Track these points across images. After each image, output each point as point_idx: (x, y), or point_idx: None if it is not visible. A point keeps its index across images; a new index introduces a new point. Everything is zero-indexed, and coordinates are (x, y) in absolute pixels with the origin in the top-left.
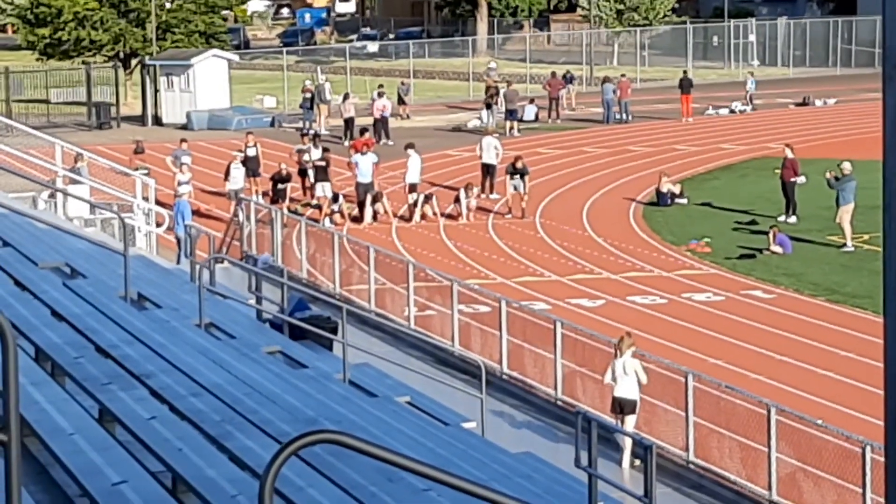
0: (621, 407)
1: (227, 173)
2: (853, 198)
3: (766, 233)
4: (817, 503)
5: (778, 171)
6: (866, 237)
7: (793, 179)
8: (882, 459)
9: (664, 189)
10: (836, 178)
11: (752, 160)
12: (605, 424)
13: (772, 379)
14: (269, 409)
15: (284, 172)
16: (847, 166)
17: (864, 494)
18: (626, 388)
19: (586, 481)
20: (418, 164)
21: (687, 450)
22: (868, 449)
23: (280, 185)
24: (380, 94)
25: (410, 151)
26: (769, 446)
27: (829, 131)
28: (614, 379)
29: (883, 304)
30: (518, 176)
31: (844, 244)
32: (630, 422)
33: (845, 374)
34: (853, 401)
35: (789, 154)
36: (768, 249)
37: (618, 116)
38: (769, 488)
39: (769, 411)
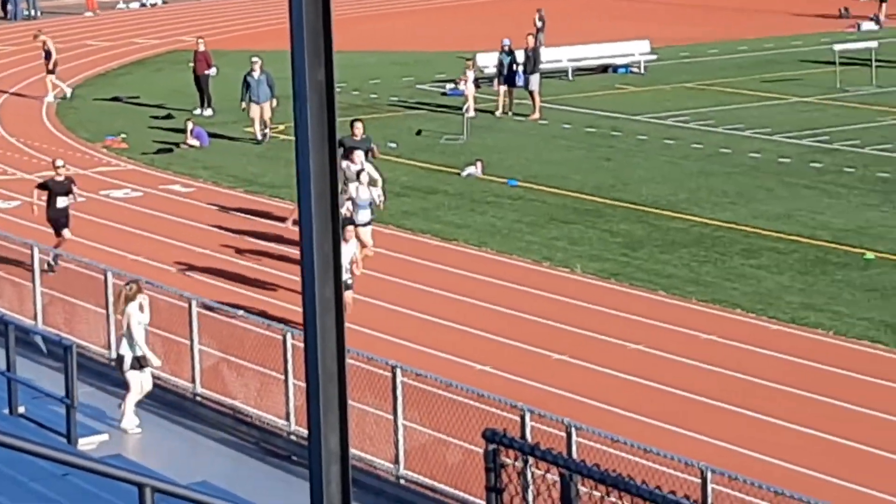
0: (123, 364)
1: None
2: (271, 92)
3: (183, 128)
4: (241, 392)
5: (191, 64)
6: (281, 127)
7: (206, 72)
8: (301, 345)
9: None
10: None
11: (165, 54)
12: (24, 327)
13: (190, 271)
14: None
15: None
16: (257, 60)
17: (286, 381)
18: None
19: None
20: None
21: (109, 348)
22: (289, 335)
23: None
24: None
25: None
26: (192, 339)
27: (243, 23)
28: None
29: (297, 190)
30: None
31: (262, 138)
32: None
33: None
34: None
35: (201, 47)
36: (185, 143)
37: (26, 13)
38: (193, 381)
39: (190, 304)
